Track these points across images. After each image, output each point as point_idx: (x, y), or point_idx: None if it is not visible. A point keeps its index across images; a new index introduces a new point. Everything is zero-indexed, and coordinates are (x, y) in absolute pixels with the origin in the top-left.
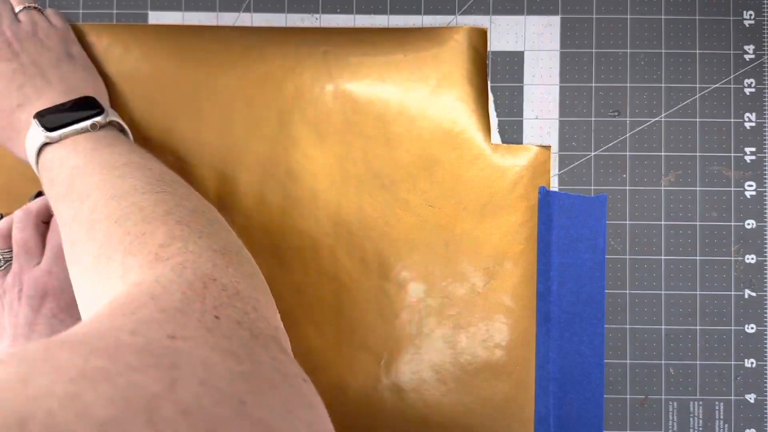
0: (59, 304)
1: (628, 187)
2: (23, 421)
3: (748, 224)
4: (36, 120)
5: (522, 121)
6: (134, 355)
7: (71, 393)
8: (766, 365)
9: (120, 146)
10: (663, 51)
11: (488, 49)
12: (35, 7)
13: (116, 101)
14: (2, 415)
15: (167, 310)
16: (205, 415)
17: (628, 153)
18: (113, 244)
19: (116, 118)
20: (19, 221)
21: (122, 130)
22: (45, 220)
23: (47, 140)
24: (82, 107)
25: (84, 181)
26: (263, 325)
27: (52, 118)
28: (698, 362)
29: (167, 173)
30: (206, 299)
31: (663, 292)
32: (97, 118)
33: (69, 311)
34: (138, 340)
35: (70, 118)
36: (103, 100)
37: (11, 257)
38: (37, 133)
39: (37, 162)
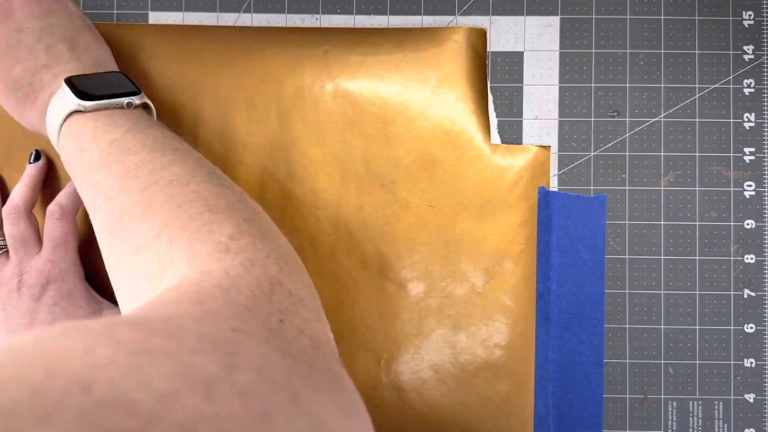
0: (60, 293)
1: (627, 187)
2: (87, 385)
3: (748, 224)
4: (67, 85)
5: (521, 121)
6: (194, 339)
7: (133, 364)
8: (765, 365)
9: (157, 130)
10: (662, 51)
11: (488, 49)
12: None
13: None
14: (67, 379)
15: (235, 304)
16: (260, 398)
17: (627, 153)
18: (177, 226)
19: (148, 100)
20: (9, 216)
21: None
22: (31, 209)
23: (79, 108)
24: (116, 83)
25: (129, 157)
26: (324, 337)
27: (85, 87)
28: (697, 362)
29: (214, 167)
30: (273, 301)
31: (662, 291)
32: (134, 98)
33: (70, 299)
34: (200, 327)
35: (104, 90)
36: None
37: (5, 245)
38: (67, 99)
39: (59, 128)
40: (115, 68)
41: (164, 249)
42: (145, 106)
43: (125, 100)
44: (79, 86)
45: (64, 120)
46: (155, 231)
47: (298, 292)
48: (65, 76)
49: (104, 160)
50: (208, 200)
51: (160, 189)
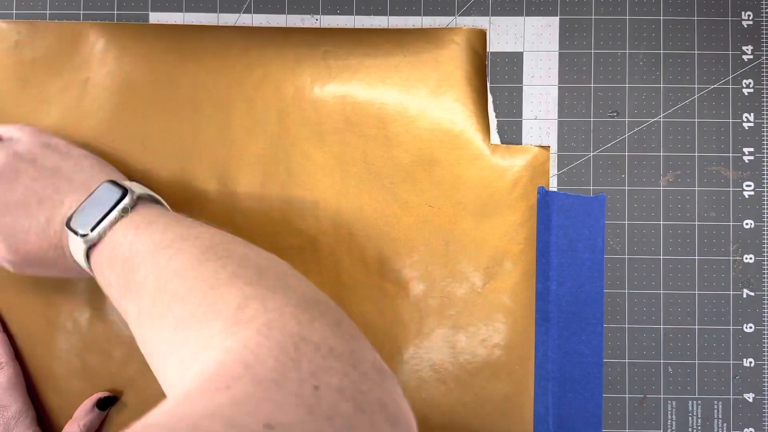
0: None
1: (626, 187)
2: None
3: (747, 224)
4: (68, 229)
5: (521, 121)
6: None
7: None
8: (764, 364)
9: (159, 220)
10: (662, 51)
11: (487, 49)
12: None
13: (115, 102)
14: None
15: (263, 382)
16: None
17: (626, 153)
18: (186, 320)
19: (142, 190)
20: None
21: (155, 200)
22: None
23: (89, 243)
24: (105, 193)
25: (138, 274)
26: (367, 387)
27: (81, 221)
28: (697, 362)
29: (218, 236)
30: (302, 364)
31: (662, 291)
32: (125, 201)
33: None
34: None
35: (98, 211)
36: (118, 176)
37: None
38: (76, 242)
39: (87, 266)
40: (105, 173)
41: (180, 346)
42: (147, 195)
43: (118, 209)
44: (77, 223)
45: (87, 259)
46: (168, 336)
47: (326, 341)
48: (64, 221)
49: (123, 288)
50: (207, 280)
51: (164, 293)
